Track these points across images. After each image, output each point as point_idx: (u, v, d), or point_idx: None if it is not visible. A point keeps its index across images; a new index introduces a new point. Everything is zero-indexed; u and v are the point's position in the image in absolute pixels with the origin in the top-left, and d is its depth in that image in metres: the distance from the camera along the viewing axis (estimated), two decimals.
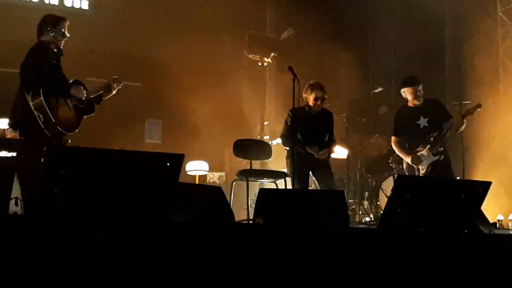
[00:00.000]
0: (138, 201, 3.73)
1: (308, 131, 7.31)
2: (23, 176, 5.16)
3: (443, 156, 7.19)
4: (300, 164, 7.05)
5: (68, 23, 6.17)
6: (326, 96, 7.45)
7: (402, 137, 7.48)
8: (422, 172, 7.16)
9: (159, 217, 3.77)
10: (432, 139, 7.18)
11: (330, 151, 7.55)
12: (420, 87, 7.34)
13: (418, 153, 7.21)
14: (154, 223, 3.63)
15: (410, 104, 7.42)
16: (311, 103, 7.41)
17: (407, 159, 7.31)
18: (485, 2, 11.26)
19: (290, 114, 7.33)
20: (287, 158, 7.47)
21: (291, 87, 7.03)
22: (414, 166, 7.24)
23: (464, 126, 7.23)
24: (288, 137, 7.39)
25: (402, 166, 7.73)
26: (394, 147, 7.57)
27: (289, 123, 7.36)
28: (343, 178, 10.00)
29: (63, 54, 5.78)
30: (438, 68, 12.15)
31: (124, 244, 3.38)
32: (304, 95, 7.43)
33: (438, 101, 7.51)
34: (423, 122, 7.28)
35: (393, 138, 7.56)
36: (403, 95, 7.45)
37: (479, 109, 7.27)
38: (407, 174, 7.44)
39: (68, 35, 6.14)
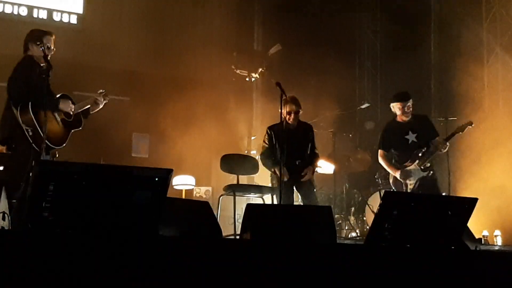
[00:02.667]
0: (127, 215, 3.73)
1: (287, 146, 7.15)
2: (11, 190, 5.15)
3: (431, 172, 7.22)
4: (284, 181, 7.06)
5: (54, 37, 6.18)
6: (300, 110, 7.38)
7: (389, 151, 7.50)
8: (410, 187, 7.16)
9: (147, 231, 3.77)
10: (420, 154, 7.21)
11: (314, 167, 7.55)
12: (410, 103, 7.37)
13: (407, 168, 7.23)
14: (142, 238, 3.63)
15: (398, 119, 7.44)
16: (286, 117, 7.35)
17: (396, 174, 7.32)
18: (471, 19, 11.35)
19: (268, 132, 7.42)
20: (271, 174, 7.48)
21: (278, 102, 7.07)
22: (402, 181, 7.24)
23: (447, 147, 7.25)
24: (266, 155, 7.46)
25: (389, 181, 7.75)
26: (381, 161, 7.57)
27: (267, 142, 7.44)
28: (329, 193, 10.03)
29: (52, 68, 5.77)
30: (424, 84, 12.25)
31: (112, 258, 3.38)
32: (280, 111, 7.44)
33: (426, 117, 7.56)
34: (411, 137, 7.32)
35: (380, 151, 7.57)
36: (392, 109, 7.48)
37: (470, 126, 7.31)
38: (394, 189, 7.45)
39: (54, 49, 6.15)
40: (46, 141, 5.62)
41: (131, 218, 3.75)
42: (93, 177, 3.62)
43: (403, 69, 12.01)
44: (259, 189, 7.74)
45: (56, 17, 10.74)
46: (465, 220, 4.80)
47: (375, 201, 9.00)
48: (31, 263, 3.14)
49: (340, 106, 11.10)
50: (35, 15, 10.54)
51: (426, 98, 12.22)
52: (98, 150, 9.25)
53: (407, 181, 7.21)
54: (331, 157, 9.86)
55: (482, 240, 8.47)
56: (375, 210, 5.04)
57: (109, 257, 3.37)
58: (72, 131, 6.19)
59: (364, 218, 9.62)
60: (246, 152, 10.47)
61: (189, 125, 10.58)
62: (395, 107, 7.42)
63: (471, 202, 4.80)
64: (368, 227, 8.45)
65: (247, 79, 10.93)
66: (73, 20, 10.86)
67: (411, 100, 7.40)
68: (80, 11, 10.90)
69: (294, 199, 7.57)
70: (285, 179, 7.09)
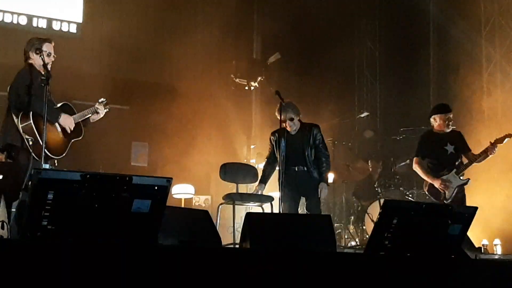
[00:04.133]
0: (126, 224, 3.73)
1: (288, 151, 7.04)
2: (10, 199, 5.15)
3: (468, 180, 7.42)
4: (290, 186, 6.95)
5: (53, 44, 6.19)
6: (294, 116, 7.11)
7: (424, 159, 7.60)
8: (448, 195, 7.32)
9: (147, 240, 3.77)
10: (457, 163, 7.40)
11: (326, 179, 7.20)
12: (450, 115, 7.52)
13: (444, 177, 7.37)
14: (141, 247, 3.63)
15: (436, 130, 7.58)
16: (283, 125, 7.15)
17: (435, 182, 7.42)
18: (469, 28, 11.38)
19: (271, 137, 7.36)
20: (278, 179, 7.37)
21: (277, 111, 7.07)
22: (441, 190, 7.35)
23: (494, 152, 7.32)
24: (268, 160, 7.44)
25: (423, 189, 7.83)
26: (416, 168, 7.62)
27: (270, 147, 7.40)
28: (328, 202, 10.02)
29: (52, 77, 5.78)
30: (423, 93, 12.26)
31: (112, 267, 3.37)
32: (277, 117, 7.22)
33: (460, 133, 7.66)
34: (450, 148, 7.47)
35: (415, 159, 7.63)
36: (433, 121, 7.60)
37: (509, 138, 7.38)
38: (429, 196, 7.58)
39: (55, 56, 6.15)
40: (46, 151, 5.62)
41: (130, 227, 3.74)
42: (92, 185, 3.61)
43: (402, 78, 12.04)
44: (259, 198, 7.72)
45: (56, 26, 10.77)
46: (465, 229, 4.80)
47: (374, 210, 9.00)
48: (30, 272, 3.13)
49: (339, 115, 11.12)
50: (34, 24, 10.58)
51: (425, 106, 12.23)
52: (97, 158, 9.25)
53: (446, 190, 7.30)
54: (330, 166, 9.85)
55: (482, 249, 8.47)
56: (375, 219, 5.04)
57: (108, 266, 3.36)
58: (73, 140, 6.19)
59: (364, 227, 9.62)
60: (245, 160, 10.48)
61: (189, 134, 10.60)
62: (437, 118, 7.54)
63: (471, 211, 4.80)
64: (367, 236, 8.45)
65: (246, 87, 10.95)
66: (73, 29, 10.90)
67: (451, 112, 7.54)
68: (80, 20, 10.94)
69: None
70: (260, 192, 7.31)
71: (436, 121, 7.57)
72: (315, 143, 7.21)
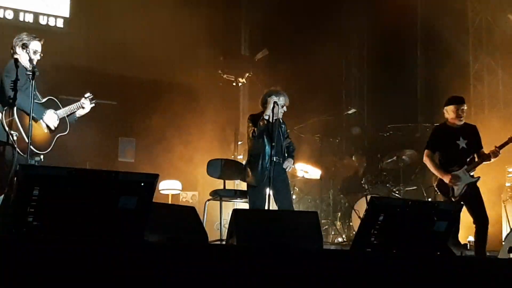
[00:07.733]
0: (112, 221, 3.72)
1: (271, 140, 6.94)
2: None
3: (478, 178, 7.24)
4: (263, 177, 6.89)
5: (42, 42, 6.14)
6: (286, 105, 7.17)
7: (435, 153, 7.41)
8: (457, 191, 7.12)
9: (133, 237, 3.76)
10: (469, 160, 7.21)
11: (294, 159, 7.29)
12: (464, 107, 7.34)
13: (455, 173, 7.19)
14: (127, 243, 3.62)
15: (450, 123, 7.40)
16: (278, 110, 7.05)
17: (444, 178, 7.21)
18: (457, 25, 11.43)
19: (260, 121, 7.05)
20: (249, 165, 7.20)
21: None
22: (450, 185, 7.20)
23: (499, 155, 7.18)
24: (256, 140, 7.11)
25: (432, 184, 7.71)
26: (427, 161, 7.43)
27: (252, 128, 7.12)
28: (315, 198, 10.04)
29: (38, 72, 5.75)
30: (410, 90, 12.31)
31: (97, 264, 3.36)
32: (268, 99, 7.10)
33: (476, 127, 7.53)
34: (462, 143, 7.26)
35: (426, 151, 7.42)
36: (445, 114, 7.41)
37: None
38: (437, 191, 7.46)
39: (42, 55, 6.11)
40: (31, 146, 5.59)
41: (117, 224, 3.74)
42: (78, 182, 3.60)
43: (389, 76, 12.07)
44: (246, 194, 7.73)
45: (43, 20, 10.68)
46: (450, 226, 4.83)
47: (361, 207, 9.03)
48: (14, 269, 3.11)
49: (327, 112, 11.12)
50: (21, 19, 10.48)
51: (413, 103, 12.29)
52: (84, 154, 9.21)
53: (455, 186, 7.19)
54: (317, 162, 9.88)
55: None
56: (361, 216, 5.06)
57: (94, 263, 3.35)
58: (58, 135, 6.16)
59: (351, 224, 9.64)
60: (232, 157, 10.47)
61: (176, 130, 10.58)
62: (449, 110, 7.35)
63: (456, 208, 4.84)
64: (354, 232, 8.47)
65: (234, 84, 10.94)
66: (60, 23, 10.82)
67: (465, 104, 7.37)
68: (67, 14, 10.86)
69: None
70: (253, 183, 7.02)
71: (448, 113, 7.37)
72: (286, 136, 7.30)
